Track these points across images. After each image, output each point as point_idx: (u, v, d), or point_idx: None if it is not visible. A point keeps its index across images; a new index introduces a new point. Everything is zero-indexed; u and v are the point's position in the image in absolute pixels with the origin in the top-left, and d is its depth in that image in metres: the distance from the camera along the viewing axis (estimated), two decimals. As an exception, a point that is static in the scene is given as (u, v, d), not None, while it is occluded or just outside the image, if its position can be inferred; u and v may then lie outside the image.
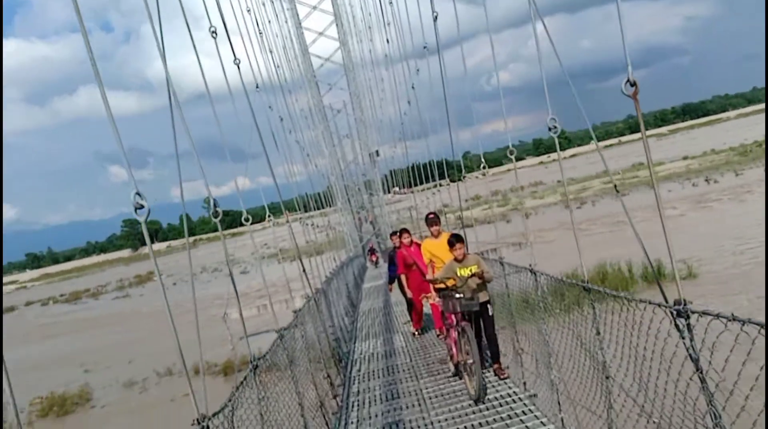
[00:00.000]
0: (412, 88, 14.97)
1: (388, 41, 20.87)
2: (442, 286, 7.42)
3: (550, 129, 4.67)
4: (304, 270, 7.77)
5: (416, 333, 11.21)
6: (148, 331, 36.53)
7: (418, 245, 10.04)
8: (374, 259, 35.34)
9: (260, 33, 13.69)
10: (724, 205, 34.14)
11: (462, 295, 7.16)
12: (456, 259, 7.44)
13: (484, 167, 8.83)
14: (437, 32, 8.78)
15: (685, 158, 71.75)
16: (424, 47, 10.54)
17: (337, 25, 54.15)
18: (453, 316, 7.38)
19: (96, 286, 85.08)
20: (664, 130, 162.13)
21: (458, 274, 7.30)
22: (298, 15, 49.78)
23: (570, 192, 61.83)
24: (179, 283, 66.71)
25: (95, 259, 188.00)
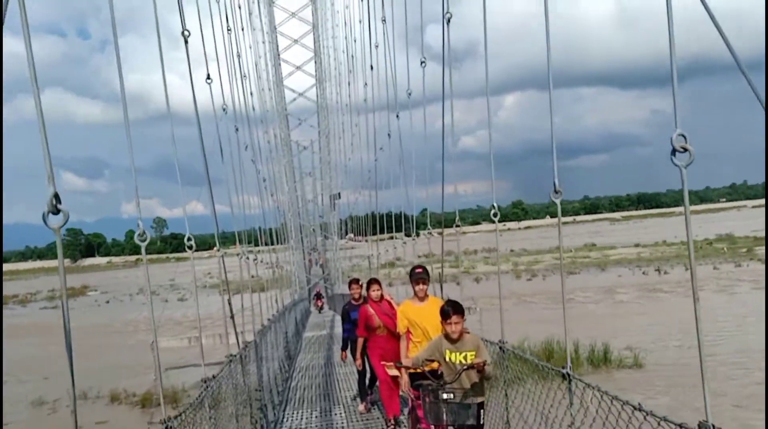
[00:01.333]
0: (380, 149, 15.22)
1: (366, 89, 21.15)
2: (418, 371, 5.31)
3: (556, 191, 4.53)
4: (232, 316, 7.38)
5: (391, 424, 7.74)
6: (73, 347, 35.41)
7: (390, 303, 7.85)
8: (320, 304, 34.92)
9: (238, 56, 13.64)
10: (673, 298, 34.52)
11: (452, 396, 4.96)
12: (448, 338, 5.22)
13: (438, 229, 8.96)
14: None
15: (637, 245, 73.67)
16: (409, 94, 10.73)
17: (315, 62, 54.70)
18: None
19: (26, 292, 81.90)
20: (617, 215, 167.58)
21: (449, 360, 5.16)
22: (278, 46, 50.14)
23: (522, 263, 62.71)
24: (113, 301, 64.66)
25: (31, 264, 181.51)
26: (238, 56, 13.45)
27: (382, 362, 6.21)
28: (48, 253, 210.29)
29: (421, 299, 6.45)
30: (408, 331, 6.46)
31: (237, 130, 11.23)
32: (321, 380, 12.55)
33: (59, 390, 21.84)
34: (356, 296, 9.18)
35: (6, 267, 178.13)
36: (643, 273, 48.35)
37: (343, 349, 9.60)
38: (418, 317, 6.31)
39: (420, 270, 6.59)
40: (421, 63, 8.85)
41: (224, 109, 9.27)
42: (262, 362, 9.17)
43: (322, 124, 54.87)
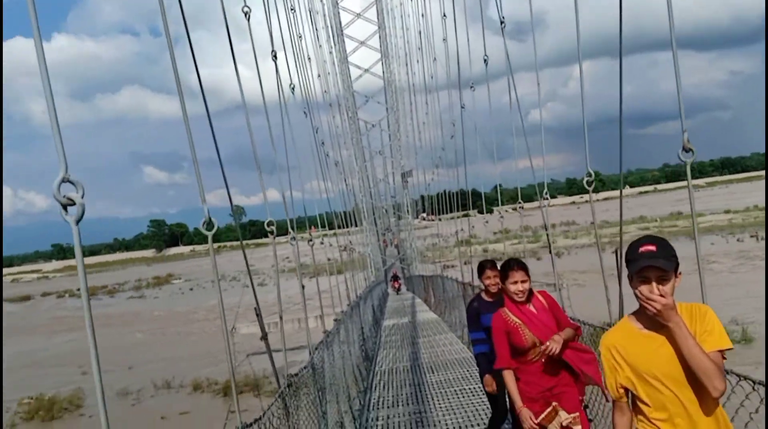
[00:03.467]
0: (452, 124, 15.04)
1: (435, 64, 20.95)
2: None
3: (588, 183, 5.07)
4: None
5: None
6: (154, 336, 36.62)
7: (544, 301, 4.50)
8: (397, 285, 35.14)
9: (300, 37, 13.60)
10: None
11: None
12: None
13: (519, 202, 8.80)
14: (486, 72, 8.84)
15: (727, 211, 70.51)
16: (471, 87, 10.64)
17: (380, 35, 54.31)
18: None
19: (114, 283, 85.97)
20: (701, 181, 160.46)
21: None
22: (340, 21, 50.01)
23: (604, 235, 61.14)
24: (196, 288, 67.00)
25: (119, 256, 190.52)
26: (300, 37, 13.41)
27: (549, 410, 4.07)
28: (135, 244, 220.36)
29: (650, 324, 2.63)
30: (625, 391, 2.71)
31: (306, 115, 11.32)
32: (409, 391, 9.59)
33: (143, 380, 22.74)
34: (492, 289, 5.41)
35: (95, 258, 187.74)
36: (738, 240, 46.15)
37: (488, 369, 5.27)
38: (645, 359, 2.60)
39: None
40: (501, 23, 7.39)
41: (291, 88, 9.31)
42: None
43: (390, 100, 54.48)
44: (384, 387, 10.17)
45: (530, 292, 4.37)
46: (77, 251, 2.12)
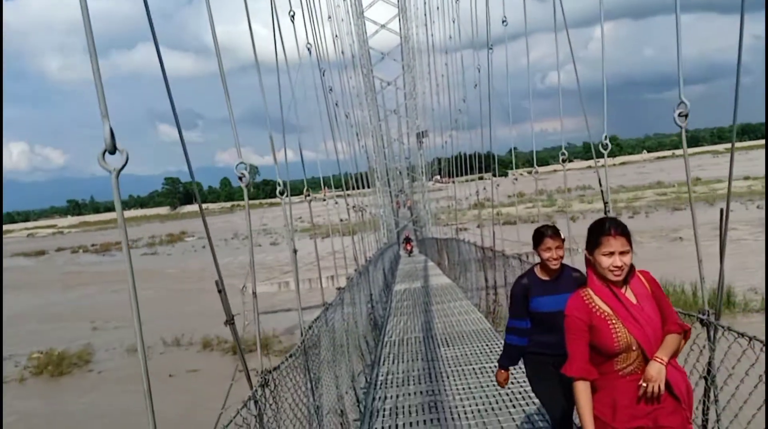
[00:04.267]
0: (475, 87, 14.82)
1: (450, 37, 20.67)
2: None
3: (604, 147, 4.95)
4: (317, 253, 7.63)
5: None
6: (167, 292, 36.81)
7: (647, 291, 3.03)
8: (409, 247, 35.20)
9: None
10: None
11: None
12: None
13: (534, 167, 8.76)
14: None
15: (746, 178, 69.61)
16: (490, 48, 10.48)
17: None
18: None
19: (128, 240, 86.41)
20: (720, 147, 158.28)
21: None
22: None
23: (620, 200, 60.81)
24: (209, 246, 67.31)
25: (134, 212, 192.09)
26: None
27: None
28: (150, 201, 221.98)
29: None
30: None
31: (323, 73, 11.23)
32: (421, 367, 8.72)
33: (153, 336, 22.44)
34: (553, 264, 4.10)
35: (110, 214, 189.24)
36: (758, 207, 45.27)
37: (506, 364, 4.41)
38: None
39: None
40: None
41: (308, 49, 9.27)
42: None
43: (406, 58, 53.67)
44: (393, 361, 9.32)
45: (630, 268, 2.98)
46: (117, 198, 2.18)
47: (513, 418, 6.17)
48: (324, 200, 7.69)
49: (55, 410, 16.80)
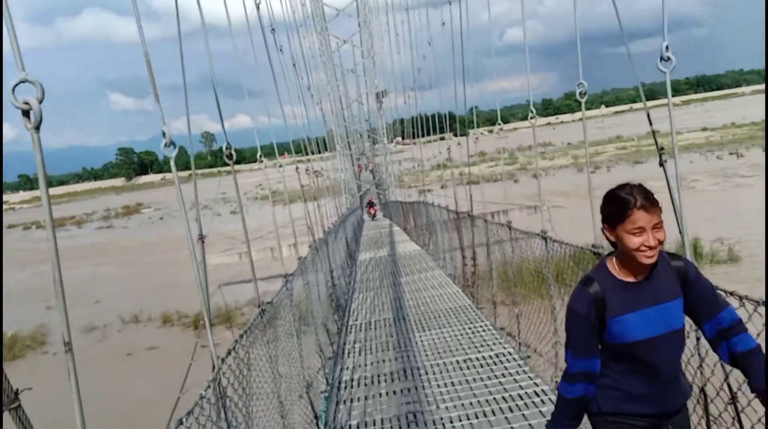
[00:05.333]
0: (429, 43, 14.72)
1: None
2: None
3: (580, 94, 4.99)
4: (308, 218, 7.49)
5: None
6: (122, 267, 35.98)
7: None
8: (372, 211, 35.18)
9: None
10: (757, 182, 31.52)
11: None
12: None
13: (499, 124, 8.82)
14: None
15: (704, 129, 70.94)
16: (449, 2, 10.37)
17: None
18: None
19: (82, 213, 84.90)
20: (677, 100, 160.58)
21: None
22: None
23: (581, 155, 61.53)
24: (167, 217, 66.55)
25: (88, 185, 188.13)
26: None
27: None
28: (104, 173, 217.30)
29: None
30: None
31: (273, 30, 10.98)
32: (392, 358, 7.62)
33: (110, 314, 22.16)
34: (648, 254, 2.28)
35: (64, 188, 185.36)
36: (717, 157, 46.60)
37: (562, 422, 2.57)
38: None
39: None
40: None
41: (257, 5, 8.99)
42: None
43: (362, 13, 52.64)
44: (360, 352, 8.09)
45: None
46: (39, 167, 1.90)
47: (508, 420, 5.29)
48: (280, 166, 7.45)
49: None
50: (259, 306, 4.37)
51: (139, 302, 22.89)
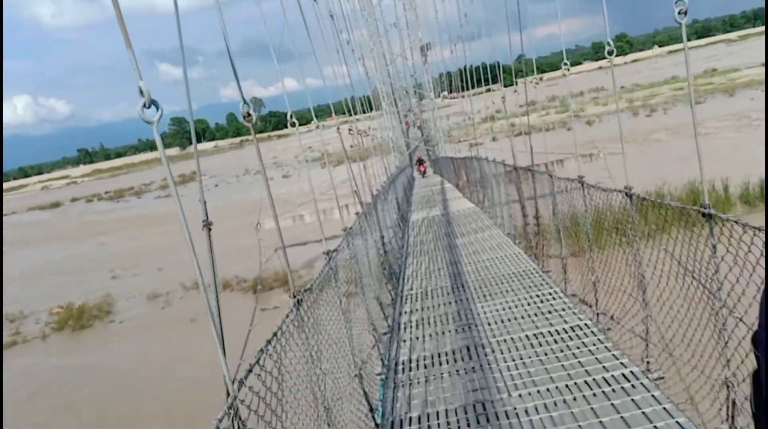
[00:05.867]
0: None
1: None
2: None
3: (609, 53, 4.98)
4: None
5: None
6: (181, 235, 36.56)
7: None
8: (422, 169, 35.02)
9: None
10: None
11: None
12: None
13: (539, 75, 8.57)
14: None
15: (764, 64, 67.55)
16: None
17: None
18: None
19: (140, 184, 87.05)
20: (733, 35, 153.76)
21: None
22: None
23: (637, 98, 59.60)
24: (221, 184, 67.74)
25: (144, 156, 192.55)
26: None
27: None
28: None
29: None
30: None
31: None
32: (453, 340, 6.77)
33: (172, 282, 22.60)
34: None
35: (122, 160, 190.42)
36: (772, 94, 44.25)
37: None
38: None
39: None
40: None
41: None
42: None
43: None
44: (417, 326, 7.44)
45: None
46: (160, 147, 2.51)
47: (594, 412, 4.53)
48: (317, 127, 7.24)
49: (83, 363, 16.96)
50: (294, 296, 3.77)
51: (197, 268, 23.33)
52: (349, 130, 11.40)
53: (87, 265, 32.66)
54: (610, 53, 4.91)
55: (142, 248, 33.51)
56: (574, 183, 6.80)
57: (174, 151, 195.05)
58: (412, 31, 54.26)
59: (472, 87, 22.26)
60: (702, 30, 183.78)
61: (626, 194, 5.13)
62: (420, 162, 36.16)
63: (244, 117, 3.34)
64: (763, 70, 63.30)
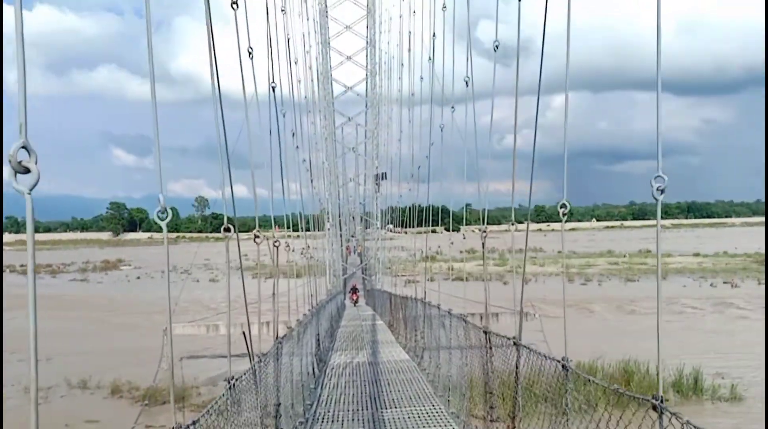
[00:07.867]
0: (432, 144, 15.20)
1: (422, 82, 21.13)
2: None
3: (563, 215, 5.08)
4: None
5: None
6: (85, 324, 34.56)
7: None
8: (355, 298, 34.22)
9: (287, 39, 13.76)
10: (755, 315, 31.39)
11: None
12: None
13: (485, 226, 8.81)
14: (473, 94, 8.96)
15: (696, 255, 71.40)
16: (452, 108, 10.95)
17: (367, 52, 54.04)
18: None
19: (59, 263, 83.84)
20: (667, 223, 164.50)
21: None
22: (328, 30, 49.82)
23: (573, 265, 61.56)
24: (143, 277, 65.69)
25: (73, 235, 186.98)
26: (288, 40, 13.54)
27: None
28: (93, 225, 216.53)
29: None
30: None
31: (284, 114, 11.30)
32: None
33: (59, 374, 20.54)
34: None
35: (48, 236, 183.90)
36: (711, 285, 46.64)
37: None
38: None
39: None
40: (495, 47, 7.13)
41: (272, 88, 9.28)
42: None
43: (370, 95, 53.56)
44: None
45: None
46: (29, 223, 2.05)
47: None
48: (276, 241, 7.25)
49: None
50: (229, 380, 3.83)
51: (92, 364, 21.78)
52: (287, 245, 10.88)
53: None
54: (565, 214, 5.01)
55: (41, 330, 30.82)
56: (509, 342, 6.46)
57: (106, 235, 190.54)
58: (369, 159, 55.53)
59: (419, 225, 22.71)
60: (639, 212, 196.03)
61: (563, 366, 4.91)
62: (354, 290, 35.78)
63: (158, 214, 3.29)
64: (692, 259, 66.81)
